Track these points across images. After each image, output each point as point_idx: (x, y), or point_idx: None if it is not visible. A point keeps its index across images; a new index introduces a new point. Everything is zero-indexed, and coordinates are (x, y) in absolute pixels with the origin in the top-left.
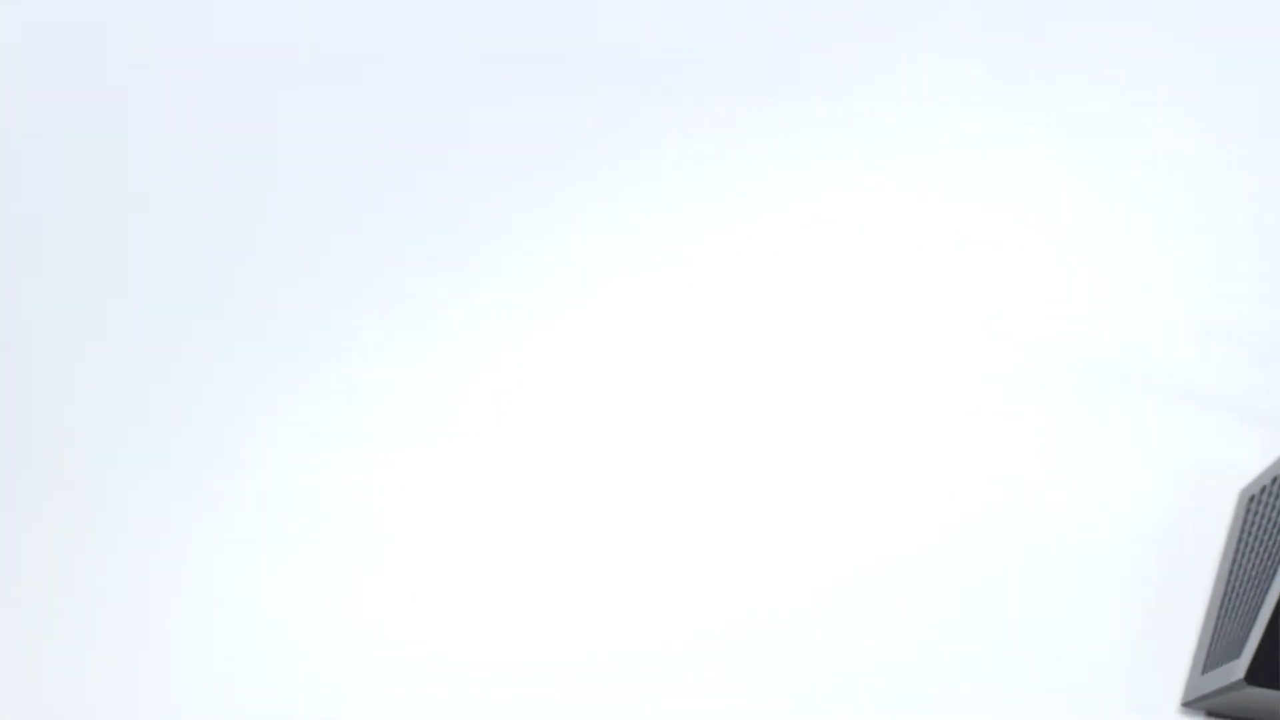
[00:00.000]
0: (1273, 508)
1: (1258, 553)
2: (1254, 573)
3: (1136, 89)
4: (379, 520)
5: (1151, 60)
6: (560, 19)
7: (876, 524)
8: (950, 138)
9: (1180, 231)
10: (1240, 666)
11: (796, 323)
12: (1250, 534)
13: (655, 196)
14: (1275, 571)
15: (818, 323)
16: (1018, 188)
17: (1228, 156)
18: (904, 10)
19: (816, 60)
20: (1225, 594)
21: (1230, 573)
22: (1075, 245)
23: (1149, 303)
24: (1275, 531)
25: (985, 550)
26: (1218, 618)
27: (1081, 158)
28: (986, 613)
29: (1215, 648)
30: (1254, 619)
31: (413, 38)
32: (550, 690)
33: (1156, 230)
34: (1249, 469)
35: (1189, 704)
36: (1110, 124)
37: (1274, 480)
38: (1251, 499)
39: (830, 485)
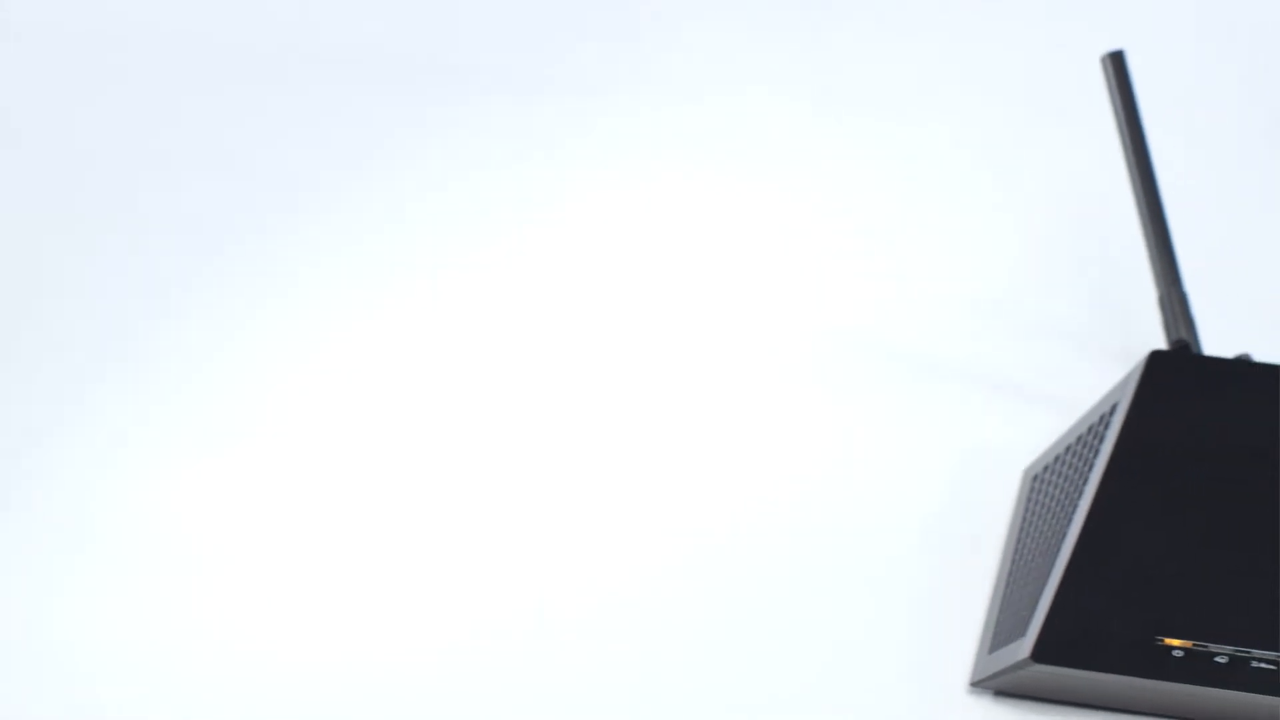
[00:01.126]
0: (1055, 486)
1: (1042, 531)
2: (1038, 551)
3: (923, 66)
4: (191, 529)
5: (932, 36)
6: (325, 20)
7: (667, 515)
8: (734, 121)
9: (962, 212)
10: (1026, 645)
11: (590, 318)
12: (1034, 512)
13: (445, 197)
14: (1059, 549)
15: (610, 318)
16: (801, 171)
17: (1014, 138)
18: None
19: (587, 52)
20: (1011, 573)
21: (1016, 552)
22: (860, 228)
23: (931, 286)
24: (1058, 509)
25: (773, 538)
26: (1004, 597)
27: (866, 139)
28: (774, 600)
29: (1002, 627)
30: (1039, 597)
31: (183, 39)
32: (371, 697)
33: (938, 212)
34: (1034, 448)
35: (977, 684)
36: (895, 104)
37: (1056, 459)
38: (1035, 478)
39: (628, 481)
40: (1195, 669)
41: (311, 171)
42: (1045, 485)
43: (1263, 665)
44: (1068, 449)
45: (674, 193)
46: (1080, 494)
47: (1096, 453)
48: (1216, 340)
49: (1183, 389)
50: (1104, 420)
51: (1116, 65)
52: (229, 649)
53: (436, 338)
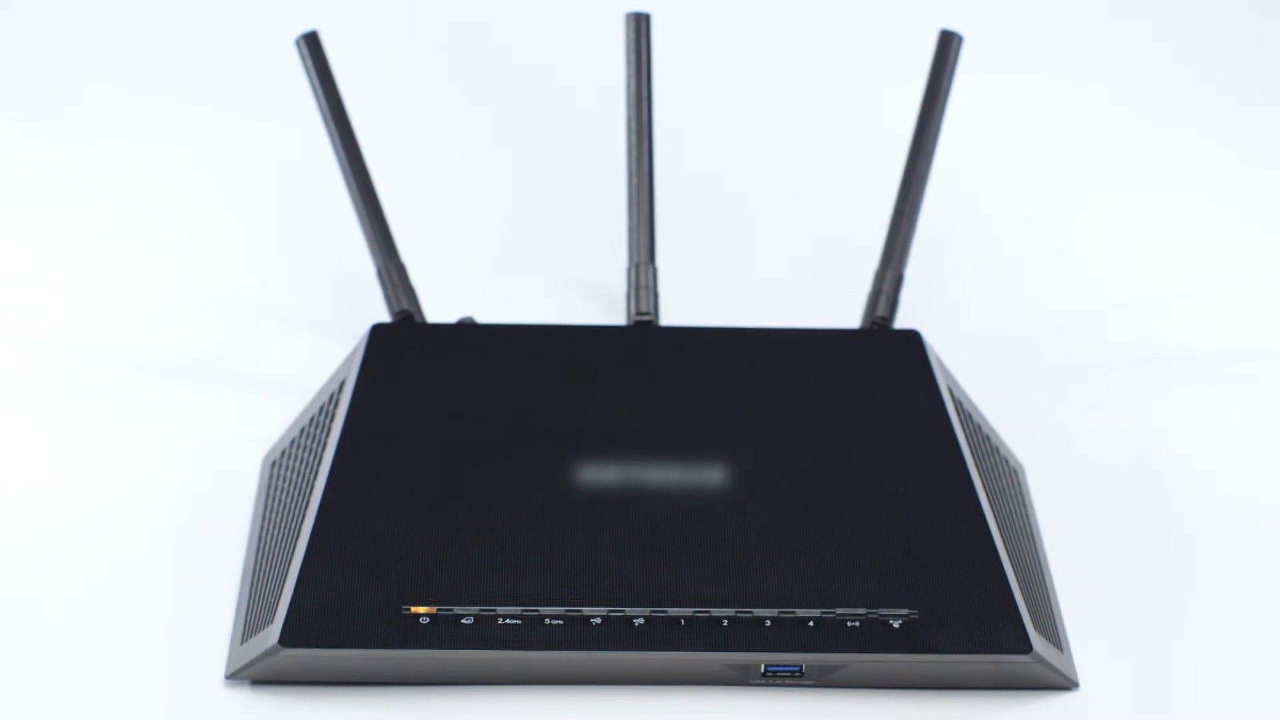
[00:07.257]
0: (293, 469)
1: (283, 516)
2: (281, 536)
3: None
4: None
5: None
6: None
7: None
8: None
9: (176, 207)
10: (274, 631)
11: None
12: (275, 499)
13: None
14: (299, 532)
15: None
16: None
17: (226, 128)
18: None
19: None
20: (258, 562)
21: (260, 540)
22: (72, 232)
23: (150, 285)
24: (296, 492)
25: (12, 556)
26: (252, 586)
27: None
28: (26, 615)
29: (252, 616)
30: (284, 582)
31: None
32: None
33: (150, 210)
34: (271, 436)
35: (233, 675)
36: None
37: (293, 442)
38: (273, 464)
39: None
40: (443, 634)
41: None
42: (284, 470)
43: (508, 621)
44: (302, 431)
45: None
46: (316, 474)
47: (329, 431)
48: (456, 308)
49: (409, 358)
50: (334, 398)
51: (312, 48)
52: None
53: None
